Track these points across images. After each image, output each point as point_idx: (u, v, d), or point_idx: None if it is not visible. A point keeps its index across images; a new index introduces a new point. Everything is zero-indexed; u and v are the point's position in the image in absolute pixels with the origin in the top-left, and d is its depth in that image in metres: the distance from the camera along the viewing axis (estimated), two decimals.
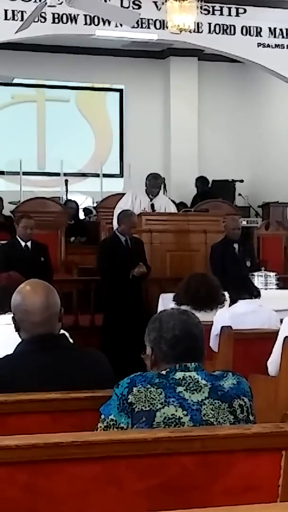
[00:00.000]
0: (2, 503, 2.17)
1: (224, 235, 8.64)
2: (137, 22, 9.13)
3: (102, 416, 2.57)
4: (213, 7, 10.31)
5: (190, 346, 2.69)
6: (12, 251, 8.12)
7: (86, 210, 12.48)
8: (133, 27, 9.09)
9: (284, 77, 10.80)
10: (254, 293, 5.81)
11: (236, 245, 8.56)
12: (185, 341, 2.69)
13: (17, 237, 8.30)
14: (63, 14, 9.68)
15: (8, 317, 3.32)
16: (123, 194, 9.82)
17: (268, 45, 10.64)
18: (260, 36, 10.59)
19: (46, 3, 8.04)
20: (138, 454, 2.25)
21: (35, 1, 9.17)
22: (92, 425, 2.60)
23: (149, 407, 2.53)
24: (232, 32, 10.45)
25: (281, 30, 10.68)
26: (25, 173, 12.83)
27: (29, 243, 8.23)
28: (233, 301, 5.77)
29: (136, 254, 8.10)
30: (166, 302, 7.09)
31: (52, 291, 3.10)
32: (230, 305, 5.76)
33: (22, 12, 9.36)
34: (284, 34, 10.70)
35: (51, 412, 2.81)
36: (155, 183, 9.26)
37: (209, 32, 10.35)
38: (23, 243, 8.23)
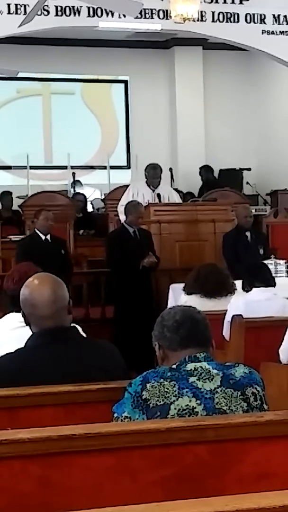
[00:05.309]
0: (17, 497, 2.18)
1: (236, 224, 8.61)
2: (140, 13, 9.08)
3: (115, 415, 2.57)
4: None
5: (192, 329, 2.72)
6: (33, 245, 8.04)
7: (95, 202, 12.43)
8: (137, 17, 9.05)
9: None
10: (271, 282, 5.77)
11: (248, 233, 8.52)
12: (186, 323, 2.73)
13: (36, 231, 8.27)
14: (66, 7, 9.66)
15: None
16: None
17: (273, 32, 10.58)
18: (264, 23, 10.53)
19: None
20: (152, 444, 2.25)
21: None
22: (105, 416, 2.61)
23: (163, 401, 2.54)
24: (236, 20, 10.39)
25: (285, 16, 10.61)
26: (32, 167, 12.82)
27: (48, 236, 8.19)
28: (247, 290, 5.76)
29: (145, 245, 8.10)
30: (176, 292, 7.08)
31: (60, 284, 3.08)
32: (246, 292, 5.75)
33: (24, 5, 9.33)
34: None
35: (63, 405, 2.82)
36: (154, 174, 9.24)
37: (213, 20, 10.29)
38: (43, 237, 8.18)
